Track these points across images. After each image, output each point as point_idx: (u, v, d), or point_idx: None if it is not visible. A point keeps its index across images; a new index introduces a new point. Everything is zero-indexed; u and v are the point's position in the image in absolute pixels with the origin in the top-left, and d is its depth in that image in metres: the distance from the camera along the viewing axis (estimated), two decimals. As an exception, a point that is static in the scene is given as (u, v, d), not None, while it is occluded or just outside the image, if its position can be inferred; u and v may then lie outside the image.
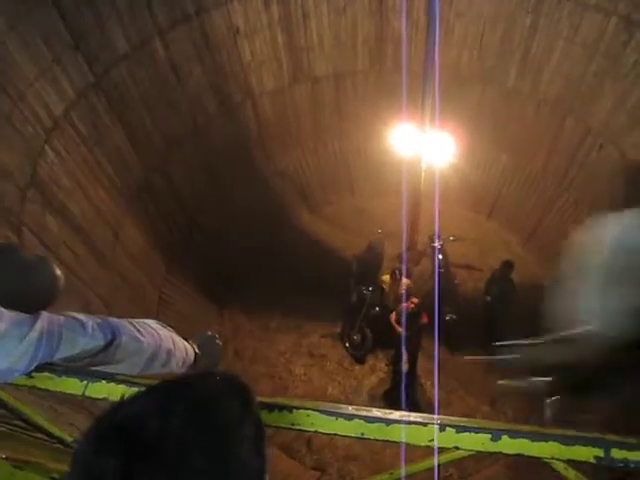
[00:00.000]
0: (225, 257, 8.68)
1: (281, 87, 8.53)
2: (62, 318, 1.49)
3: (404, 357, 7.37)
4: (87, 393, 1.50)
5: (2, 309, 1.36)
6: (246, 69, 8.03)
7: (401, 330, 7.44)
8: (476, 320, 8.25)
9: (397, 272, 7.27)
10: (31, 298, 1.55)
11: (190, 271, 8.20)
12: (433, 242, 8.22)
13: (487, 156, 9.00)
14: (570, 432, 1.28)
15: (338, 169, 9.87)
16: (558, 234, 8.79)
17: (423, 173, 6.87)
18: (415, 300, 7.24)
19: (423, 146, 6.60)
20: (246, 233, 9.03)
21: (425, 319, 7.29)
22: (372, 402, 7.77)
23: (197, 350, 2.02)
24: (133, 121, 6.99)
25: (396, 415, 1.34)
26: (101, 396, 1.48)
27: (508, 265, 7.91)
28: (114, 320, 1.67)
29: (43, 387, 1.52)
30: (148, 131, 7.28)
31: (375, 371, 8.07)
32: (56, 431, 2.31)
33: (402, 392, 7.52)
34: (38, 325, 1.39)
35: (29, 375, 1.47)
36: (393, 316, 7.66)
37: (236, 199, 8.82)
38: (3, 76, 4.91)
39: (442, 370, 7.99)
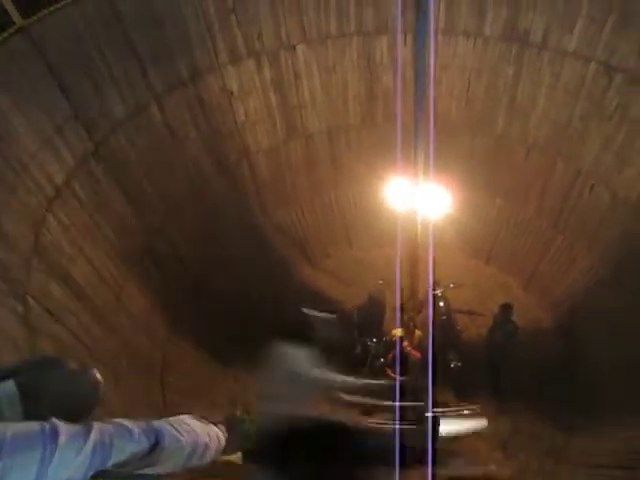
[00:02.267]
0: (228, 315, 8.67)
1: (276, 145, 8.74)
2: (111, 427, 1.56)
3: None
4: None
5: (58, 422, 1.42)
6: (241, 129, 8.25)
7: (394, 376, 7.39)
8: (481, 365, 8.21)
9: (410, 324, 7.27)
10: (78, 406, 1.67)
11: (193, 331, 8.17)
12: (433, 290, 8.25)
13: (482, 202, 9.15)
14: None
15: (335, 222, 9.99)
16: (557, 276, 8.88)
17: (419, 225, 6.95)
18: (417, 354, 7.22)
19: (418, 199, 6.70)
20: (248, 290, 9.05)
21: (417, 354, 7.23)
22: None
23: (226, 434, 2.09)
24: (132, 185, 7.11)
25: None
26: None
27: (507, 307, 7.94)
28: (156, 423, 1.77)
29: None
30: (147, 195, 7.40)
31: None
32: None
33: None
34: (92, 437, 1.45)
35: None
36: (388, 369, 7.62)
37: (236, 256, 8.88)
38: (8, 149, 5.05)
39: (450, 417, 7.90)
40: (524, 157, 8.53)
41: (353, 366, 8.21)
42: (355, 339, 8.24)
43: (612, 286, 7.89)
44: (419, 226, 7.25)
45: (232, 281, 8.85)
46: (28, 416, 1.56)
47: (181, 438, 1.79)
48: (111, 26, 6.24)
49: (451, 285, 8.29)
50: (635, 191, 7.36)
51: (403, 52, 8.06)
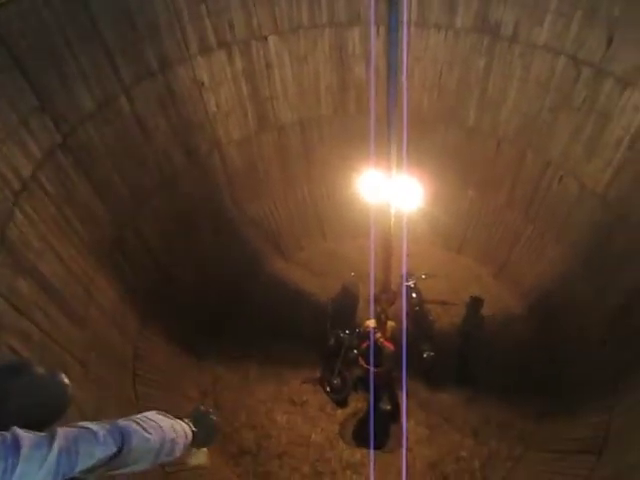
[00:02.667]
0: (200, 308, 8.64)
1: (247, 136, 8.67)
2: (75, 431, 1.53)
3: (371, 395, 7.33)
4: None
5: (20, 432, 1.39)
6: (212, 120, 8.16)
7: (374, 369, 7.45)
8: (454, 355, 8.33)
9: (382, 316, 7.32)
10: (47, 410, 1.63)
11: (165, 324, 8.10)
12: (406, 281, 8.32)
13: (454, 194, 9.24)
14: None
15: (308, 214, 9.98)
16: (528, 265, 9.02)
17: (392, 218, 6.99)
18: (390, 346, 7.26)
19: (391, 192, 6.72)
20: (220, 282, 9.02)
21: (390, 346, 7.29)
22: (356, 448, 7.71)
23: (193, 428, 2.06)
24: (101, 178, 6.99)
25: None
26: None
27: (476, 300, 8.07)
28: (121, 423, 1.74)
29: None
30: (117, 187, 7.28)
31: (357, 413, 8.01)
32: None
33: (371, 430, 7.50)
34: (56, 444, 1.42)
35: None
36: (360, 358, 7.67)
37: (208, 249, 8.83)
38: (-29, 142, 4.91)
39: (424, 407, 8.00)
40: (495, 149, 8.62)
41: (327, 357, 8.27)
42: (328, 331, 8.26)
43: (580, 274, 8.05)
44: (392, 218, 7.29)
45: (203, 274, 8.80)
46: None
47: (148, 436, 1.75)
48: (78, 15, 6.10)
49: (423, 276, 8.38)
50: (602, 182, 7.49)
51: (375, 44, 8.09)
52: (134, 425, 1.74)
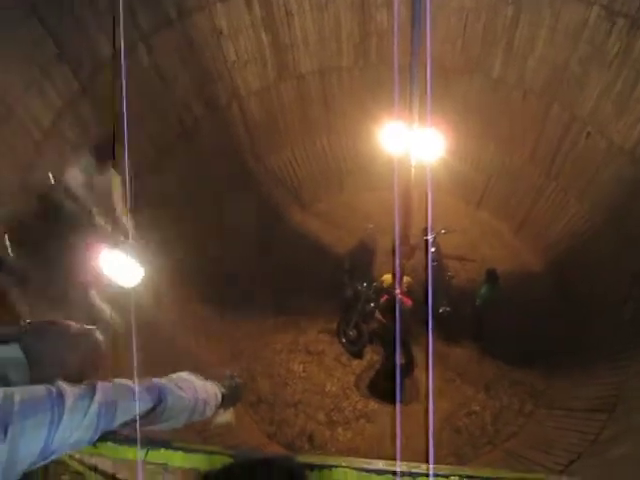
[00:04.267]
0: (218, 258, 8.70)
1: (267, 86, 8.54)
2: (114, 386, 1.60)
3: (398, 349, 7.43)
4: (148, 459, 1.62)
5: (63, 385, 1.45)
6: (231, 70, 8.04)
7: (387, 322, 7.52)
8: (469, 311, 8.34)
9: (400, 270, 7.35)
10: (81, 367, 1.69)
11: (185, 275, 8.19)
12: (425, 236, 8.27)
13: (475, 147, 9.05)
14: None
15: (328, 166, 9.89)
16: (548, 223, 8.90)
17: (413, 169, 6.90)
18: (409, 302, 7.29)
19: (412, 143, 6.62)
20: (238, 233, 9.04)
21: (408, 302, 7.34)
22: (370, 397, 7.86)
23: (223, 390, 2.13)
24: (121, 128, 6.96)
25: (422, 469, 1.45)
26: (161, 462, 1.59)
27: (491, 273, 7.95)
28: (157, 381, 1.80)
29: (107, 455, 1.62)
30: (137, 136, 7.25)
31: (373, 365, 8.14)
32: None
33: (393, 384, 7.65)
34: (97, 397, 1.49)
35: (94, 445, 1.56)
36: (378, 312, 7.74)
37: (227, 199, 8.82)
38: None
39: (438, 362, 8.07)
40: (520, 101, 8.39)
41: (344, 310, 8.34)
42: (346, 283, 8.31)
43: (603, 232, 7.93)
44: (413, 170, 7.20)
45: (222, 225, 8.82)
46: (34, 380, 1.58)
47: (183, 395, 1.82)
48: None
49: (443, 231, 8.31)
50: (631, 139, 7.29)
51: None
52: (170, 384, 1.83)
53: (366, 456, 7.52)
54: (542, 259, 9.08)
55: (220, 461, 1.51)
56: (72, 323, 1.80)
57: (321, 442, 7.62)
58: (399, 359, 7.40)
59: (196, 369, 2.17)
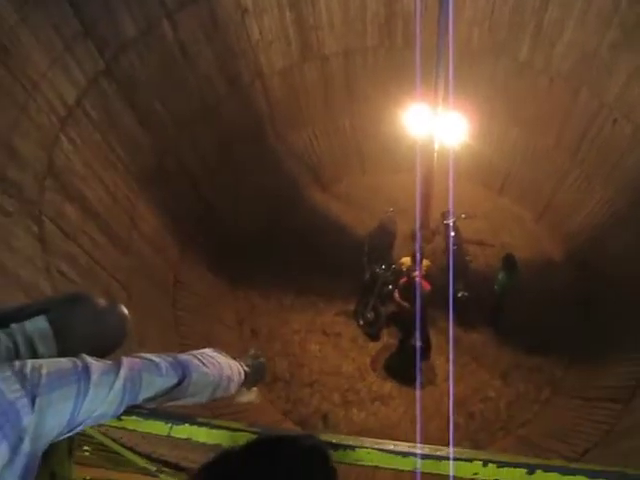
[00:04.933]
0: (238, 237, 8.76)
1: (290, 66, 8.48)
2: (139, 362, 1.60)
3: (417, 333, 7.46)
4: (172, 434, 1.65)
5: (89, 358, 1.46)
6: (255, 48, 7.98)
7: (405, 304, 7.54)
8: (488, 296, 8.32)
9: (419, 253, 7.34)
10: (106, 341, 1.72)
11: (204, 252, 8.28)
12: (445, 220, 8.25)
13: (499, 131, 8.93)
14: (597, 467, 1.36)
15: (349, 147, 9.84)
16: (571, 209, 8.80)
17: (436, 153, 6.86)
18: (427, 286, 7.29)
19: (436, 126, 6.58)
20: (259, 212, 9.09)
21: (427, 286, 7.34)
22: (386, 379, 7.92)
23: (247, 369, 2.15)
24: (143, 105, 7.00)
25: (445, 452, 1.46)
26: (185, 437, 1.62)
27: (508, 259, 7.86)
28: (182, 357, 1.80)
29: (131, 428, 1.65)
30: (158, 114, 7.29)
31: (389, 348, 8.18)
32: (140, 462, 2.47)
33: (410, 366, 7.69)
34: (122, 372, 1.49)
35: (118, 418, 1.59)
36: (396, 293, 7.75)
37: (248, 178, 8.85)
38: (17, 68, 4.93)
39: (455, 345, 8.10)
40: (547, 86, 8.23)
41: (362, 291, 8.38)
42: (364, 265, 8.33)
43: (627, 219, 7.82)
44: (435, 154, 7.17)
45: (242, 202, 8.86)
46: (60, 353, 1.61)
47: (207, 371, 1.83)
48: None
49: (463, 215, 8.28)
50: (658, 125, 7.15)
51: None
52: (194, 360, 1.84)
53: (379, 438, 7.60)
54: (563, 246, 9.00)
55: (244, 438, 1.53)
56: (98, 296, 1.82)
57: (335, 422, 7.71)
58: (419, 341, 7.43)
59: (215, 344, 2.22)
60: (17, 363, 1.31)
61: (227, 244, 8.59)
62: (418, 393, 7.53)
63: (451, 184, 6.37)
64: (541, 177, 9.08)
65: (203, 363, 1.85)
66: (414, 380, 7.75)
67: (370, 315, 8.23)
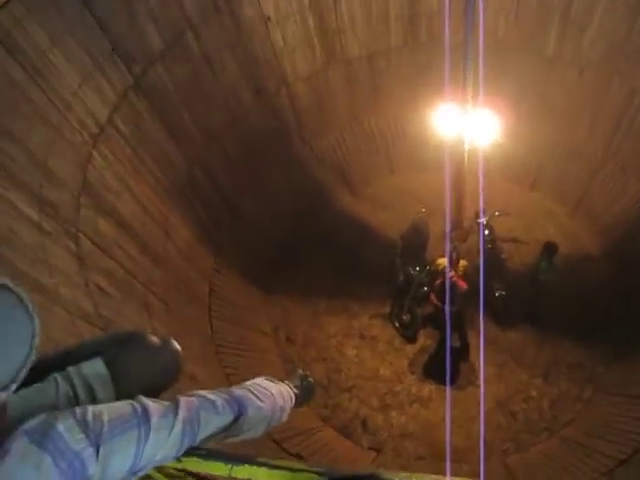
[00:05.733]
0: (270, 244, 8.79)
1: (315, 71, 8.46)
2: (196, 401, 1.59)
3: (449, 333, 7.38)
4: (232, 474, 1.65)
5: (147, 401, 1.46)
6: (279, 56, 7.99)
7: (441, 305, 7.46)
8: (524, 294, 8.19)
9: (454, 254, 7.26)
10: (161, 379, 1.71)
11: (237, 261, 8.32)
12: (479, 218, 8.14)
13: (528, 125, 8.75)
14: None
15: (376, 149, 9.78)
16: (606, 202, 8.62)
17: (467, 152, 6.77)
18: (464, 285, 7.20)
19: (465, 125, 6.49)
20: (288, 218, 9.09)
21: (463, 285, 7.25)
22: (424, 382, 7.84)
23: (296, 391, 2.12)
24: (173, 118, 7.06)
25: None
26: (245, 477, 1.62)
27: (550, 246, 7.77)
28: (237, 392, 1.79)
29: (192, 470, 1.65)
30: (187, 126, 7.35)
31: (427, 350, 8.11)
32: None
33: (447, 367, 7.60)
34: (180, 415, 1.49)
35: (178, 460, 1.59)
36: (432, 295, 7.67)
37: (277, 186, 8.87)
38: (50, 89, 5.01)
39: (493, 345, 7.97)
40: (577, 77, 8.08)
41: (397, 293, 8.32)
42: (398, 267, 8.27)
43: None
44: (466, 153, 7.07)
45: (272, 210, 8.88)
46: (119, 394, 1.61)
47: (262, 405, 1.82)
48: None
49: (497, 213, 8.16)
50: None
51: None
52: (249, 394, 1.81)
53: (419, 440, 7.56)
54: (599, 241, 8.81)
55: (305, 478, 1.51)
56: (150, 334, 1.81)
57: (374, 427, 7.67)
58: (449, 342, 7.35)
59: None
60: (78, 410, 1.32)
61: (258, 252, 8.62)
62: (448, 394, 7.42)
63: (481, 182, 6.25)
64: (574, 171, 8.91)
65: (258, 397, 1.83)
66: (454, 381, 7.67)
67: (406, 317, 8.17)
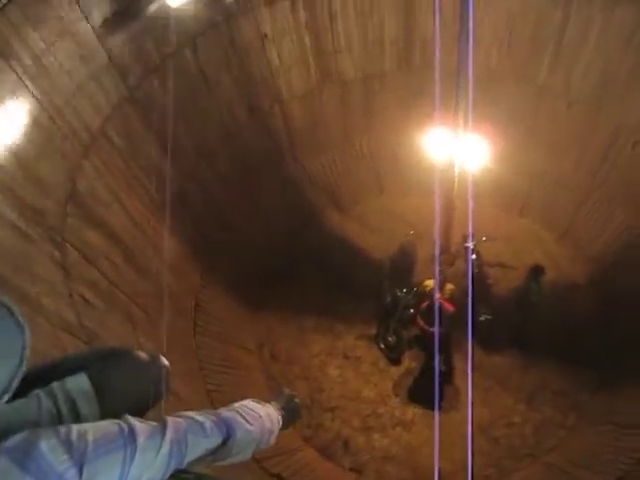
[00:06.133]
0: (258, 261, 8.75)
1: (309, 90, 8.53)
2: (184, 423, 1.56)
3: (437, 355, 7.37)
4: None
5: (134, 421, 1.41)
6: (274, 74, 8.05)
7: (428, 328, 7.46)
8: (510, 319, 8.21)
9: (441, 277, 7.29)
10: (148, 396, 1.67)
11: (225, 277, 8.28)
12: (466, 243, 8.19)
13: (518, 153, 8.85)
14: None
15: (367, 171, 9.84)
16: (592, 231, 8.70)
17: (457, 177, 6.82)
18: (451, 307, 7.20)
19: (456, 149, 6.55)
20: (278, 236, 9.08)
21: (450, 307, 7.25)
22: (408, 404, 7.80)
23: (283, 412, 2.08)
24: (166, 131, 7.03)
25: None
26: None
27: (536, 270, 7.84)
28: (225, 414, 1.75)
29: None
30: (181, 141, 7.34)
31: (411, 372, 8.08)
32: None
33: (436, 390, 7.57)
34: (168, 435, 1.45)
35: None
36: (419, 318, 7.67)
37: (267, 203, 8.87)
38: (42, 95, 4.99)
39: (478, 370, 7.96)
40: (566, 109, 8.20)
41: (383, 315, 8.31)
42: (385, 289, 8.27)
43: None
44: (456, 177, 7.12)
45: (262, 227, 8.86)
46: (104, 412, 1.57)
47: (250, 428, 1.78)
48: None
49: (484, 238, 8.21)
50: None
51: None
52: (238, 417, 1.77)
53: (402, 464, 7.49)
54: (586, 269, 8.88)
55: None
56: (137, 350, 1.77)
57: (356, 448, 7.60)
58: (439, 364, 7.34)
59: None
60: (62, 430, 1.28)
61: (247, 269, 8.58)
62: (437, 417, 7.38)
63: (471, 207, 6.30)
64: (561, 200, 9.01)
65: (246, 419, 1.79)
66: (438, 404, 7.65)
67: (392, 339, 8.15)
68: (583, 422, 7.41)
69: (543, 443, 7.37)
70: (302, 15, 7.72)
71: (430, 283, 7.68)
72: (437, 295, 7.25)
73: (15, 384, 1.21)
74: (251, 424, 1.79)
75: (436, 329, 6.71)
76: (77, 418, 1.53)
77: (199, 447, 1.57)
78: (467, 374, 7.76)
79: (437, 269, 7.70)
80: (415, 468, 7.41)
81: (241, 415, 1.79)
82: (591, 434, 7.14)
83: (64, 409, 1.53)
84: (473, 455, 6.99)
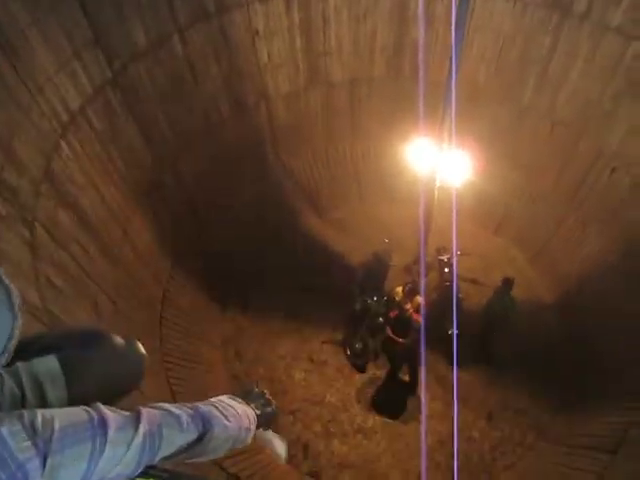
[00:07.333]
0: (230, 257, 8.65)
1: (296, 91, 8.51)
2: (159, 415, 1.44)
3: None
4: None
5: (106, 410, 1.31)
6: (262, 71, 8.00)
7: (397, 338, 7.44)
8: (478, 335, 8.26)
9: (411, 288, 7.27)
10: (122, 382, 1.59)
11: (195, 270, 8.17)
12: (441, 255, 8.22)
13: (499, 171, 8.93)
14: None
15: (348, 175, 9.84)
16: (565, 253, 8.81)
17: (436, 191, 6.85)
18: (419, 319, 7.19)
19: (438, 162, 6.57)
20: (253, 233, 9.00)
21: (418, 319, 7.24)
22: (369, 412, 7.78)
23: (257, 411, 1.96)
24: (147, 118, 6.94)
25: None
26: None
27: (508, 282, 7.89)
28: (203, 408, 1.63)
29: None
30: (162, 128, 7.24)
31: (375, 381, 8.06)
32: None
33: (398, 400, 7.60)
34: (141, 428, 1.34)
35: None
36: (389, 329, 7.64)
37: (244, 199, 8.79)
38: (23, 69, 4.86)
39: (442, 384, 7.99)
40: (548, 131, 8.31)
41: (352, 321, 8.28)
42: (356, 295, 8.24)
43: (618, 269, 7.82)
44: (437, 190, 7.15)
45: (237, 224, 8.78)
46: (72, 397, 1.48)
47: (228, 424, 1.67)
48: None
49: (458, 253, 8.25)
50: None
51: (438, 7, 7.79)
52: (215, 411, 1.66)
53: (359, 472, 7.46)
54: (554, 290, 8.99)
55: None
56: (115, 334, 1.68)
57: (315, 453, 7.55)
58: (424, 372, 7.33)
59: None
60: (26, 414, 1.17)
61: (219, 264, 8.48)
62: (424, 426, 7.40)
63: (454, 221, 6.31)
64: (538, 220, 9.12)
65: (224, 415, 1.68)
66: (400, 415, 7.65)
67: (358, 346, 8.13)
68: (542, 442, 7.47)
69: (500, 460, 7.41)
70: (296, 15, 7.70)
71: (399, 290, 7.67)
72: (406, 306, 7.24)
73: (13, 343, 1.15)
74: (229, 420, 1.68)
75: (422, 341, 6.65)
76: (43, 403, 1.44)
77: (174, 442, 1.46)
78: (430, 387, 7.80)
79: (423, 284, 7.72)
80: (372, 477, 7.38)
81: (219, 410, 1.68)
82: (549, 454, 7.20)
83: (29, 392, 1.43)
84: (426, 469, 7.04)
